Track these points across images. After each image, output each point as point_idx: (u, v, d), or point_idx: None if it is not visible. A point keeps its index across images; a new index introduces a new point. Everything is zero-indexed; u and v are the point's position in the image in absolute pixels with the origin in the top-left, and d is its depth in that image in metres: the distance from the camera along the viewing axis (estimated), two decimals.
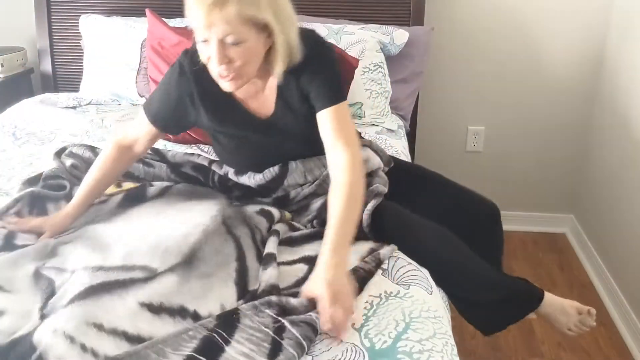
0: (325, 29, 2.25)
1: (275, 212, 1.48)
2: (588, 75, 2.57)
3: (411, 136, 2.49)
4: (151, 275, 1.19)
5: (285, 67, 1.35)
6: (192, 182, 1.60)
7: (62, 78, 2.57)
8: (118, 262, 1.20)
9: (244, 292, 1.22)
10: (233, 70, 1.29)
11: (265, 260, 1.29)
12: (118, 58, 2.33)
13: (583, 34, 2.52)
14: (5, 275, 1.20)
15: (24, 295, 1.16)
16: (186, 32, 2.16)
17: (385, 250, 1.35)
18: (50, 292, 1.16)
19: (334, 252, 1.19)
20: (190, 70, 1.40)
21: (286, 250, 1.37)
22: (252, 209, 1.48)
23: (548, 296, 1.51)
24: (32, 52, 2.61)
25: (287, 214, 1.52)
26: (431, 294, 1.26)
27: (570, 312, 1.51)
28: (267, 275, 1.23)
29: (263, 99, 1.46)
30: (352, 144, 1.34)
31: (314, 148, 1.47)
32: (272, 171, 1.51)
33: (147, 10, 2.23)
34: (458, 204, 1.62)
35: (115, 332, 1.05)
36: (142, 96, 2.29)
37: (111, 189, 1.55)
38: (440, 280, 1.38)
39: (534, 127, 2.68)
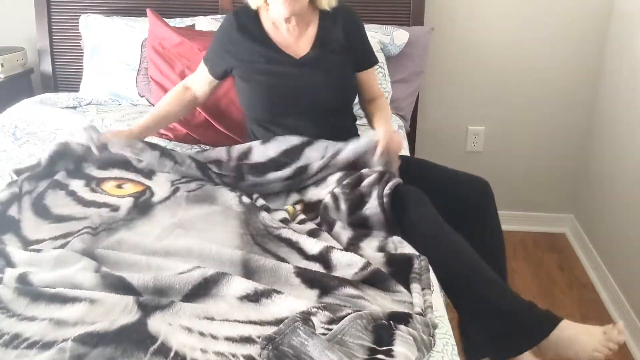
0: None
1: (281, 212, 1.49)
2: (588, 74, 2.57)
3: (411, 136, 2.50)
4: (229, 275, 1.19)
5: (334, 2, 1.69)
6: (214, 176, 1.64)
7: (62, 78, 2.57)
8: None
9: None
10: None
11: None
12: (118, 58, 2.33)
13: (584, 33, 2.52)
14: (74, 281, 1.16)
15: (104, 294, 1.13)
16: (187, 33, 2.16)
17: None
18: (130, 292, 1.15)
19: (385, 126, 1.68)
20: (236, 11, 1.72)
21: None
22: (264, 213, 1.46)
23: (567, 322, 1.36)
24: (32, 52, 2.61)
25: (291, 208, 1.53)
26: (432, 292, 1.26)
27: (594, 331, 1.35)
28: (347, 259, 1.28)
29: (297, 47, 1.69)
30: (382, 92, 1.90)
31: (341, 95, 1.74)
32: (295, 139, 1.66)
33: (148, 10, 2.23)
34: (446, 185, 1.63)
35: (228, 321, 1.08)
36: (142, 96, 2.29)
37: (115, 191, 1.55)
38: (448, 287, 1.37)
39: (533, 127, 2.68)
